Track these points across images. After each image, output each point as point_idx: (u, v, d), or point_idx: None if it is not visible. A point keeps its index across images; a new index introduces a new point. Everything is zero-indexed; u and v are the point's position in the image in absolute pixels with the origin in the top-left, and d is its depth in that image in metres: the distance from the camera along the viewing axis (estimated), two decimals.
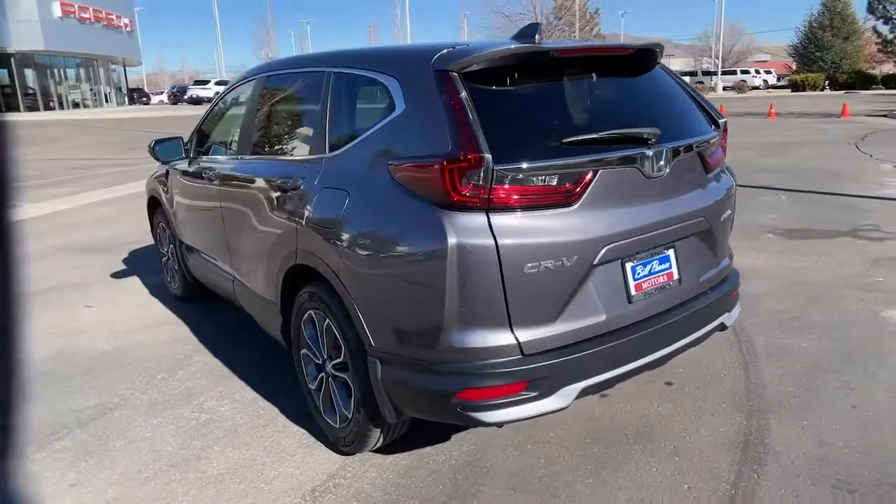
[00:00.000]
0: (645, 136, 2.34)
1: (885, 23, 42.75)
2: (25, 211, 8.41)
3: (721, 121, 2.85)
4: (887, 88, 41.17)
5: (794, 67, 52.01)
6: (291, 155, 3.12)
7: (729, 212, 2.84)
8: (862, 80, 43.48)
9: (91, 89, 45.76)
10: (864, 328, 3.88)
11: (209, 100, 43.78)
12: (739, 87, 45.75)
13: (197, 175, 3.92)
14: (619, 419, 2.96)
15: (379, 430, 2.57)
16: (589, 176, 2.21)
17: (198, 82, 50.18)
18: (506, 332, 2.14)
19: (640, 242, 2.37)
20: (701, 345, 2.81)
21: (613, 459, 2.65)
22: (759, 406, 3.03)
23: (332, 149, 2.67)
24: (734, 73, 52.31)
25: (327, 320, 2.62)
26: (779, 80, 53.81)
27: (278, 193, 2.88)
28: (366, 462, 2.72)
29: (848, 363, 3.43)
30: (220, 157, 3.77)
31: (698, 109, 2.81)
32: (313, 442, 2.89)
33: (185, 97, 47.31)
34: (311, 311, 2.76)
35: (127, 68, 54.00)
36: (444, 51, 2.30)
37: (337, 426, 2.72)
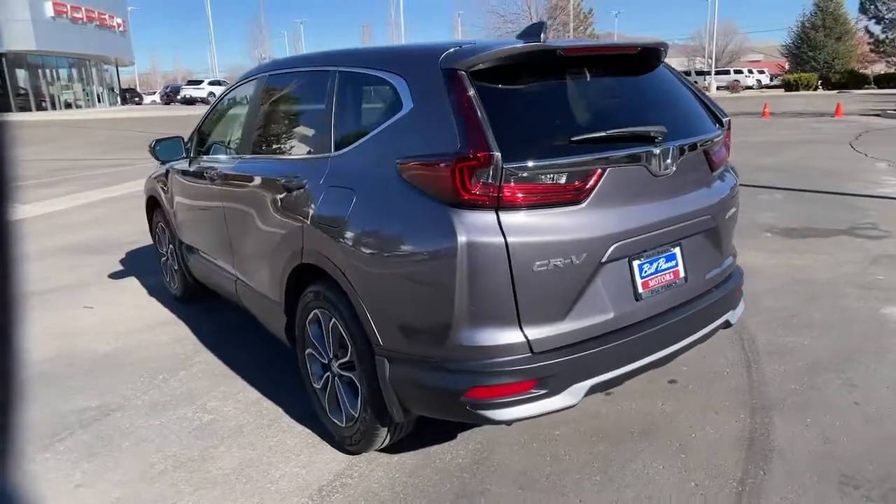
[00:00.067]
0: (652, 135, 2.35)
1: (878, 23, 43.02)
2: (21, 211, 8.36)
3: (725, 119, 2.86)
4: (879, 88, 41.45)
5: (786, 67, 52.29)
6: (296, 154, 3.12)
7: (733, 210, 2.85)
8: (854, 80, 43.75)
9: (83, 89, 45.53)
10: (865, 326, 3.90)
11: (202, 100, 44.01)
12: (733, 87, 45.94)
13: (198, 175, 3.90)
14: (624, 417, 2.96)
15: (386, 428, 2.56)
16: (597, 174, 2.21)
17: (191, 82, 50.04)
18: (515, 331, 2.14)
19: (648, 240, 2.38)
20: (703, 343, 2.81)
21: (620, 457, 2.66)
22: (763, 404, 3.04)
23: (337, 147, 2.66)
24: (727, 72, 52.50)
25: (333, 319, 2.62)
26: (772, 79, 54.06)
27: (283, 192, 2.87)
28: (372, 461, 2.71)
29: (849, 360, 3.45)
30: (222, 157, 3.76)
31: (702, 108, 2.82)
32: (318, 441, 2.88)
33: (178, 97, 47.15)
34: (316, 311, 2.75)
35: (119, 68, 53.76)
36: (452, 49, 2.30)
37: (343, 425, 2.72)
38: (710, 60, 53.66)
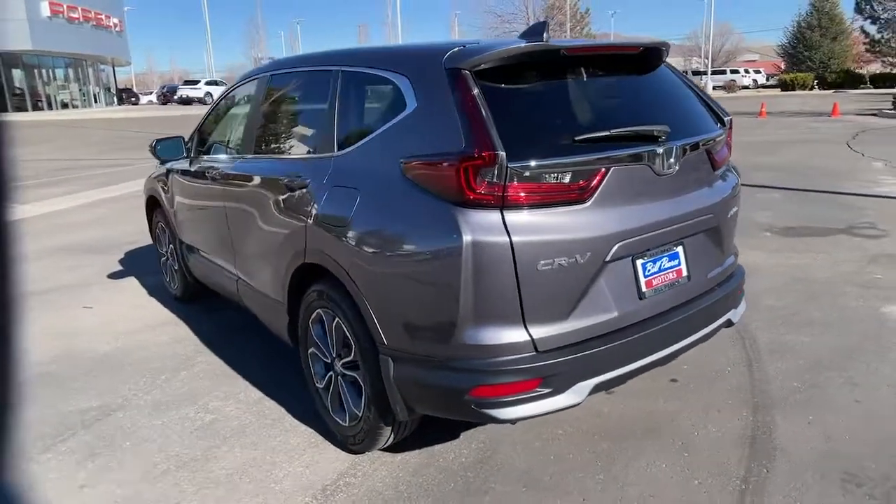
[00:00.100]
0: (655, 134, 2.36)
1: (873, 23, 43.12)
2: (20, 211, 8.34)
3: (727, 119, 2.87)
4: (875, 88, 41.53)
5: (782, 67, 52.37)
6: (298, 153, 3.12)
7: (735, 209, 2.86)
8: (850, 80, 43.86)
9: (80, 89, 45.45)
10: (864, 324, 3.91)
11: (199, 100, 43.91)
12: (729, 87, 45.99)
13: (199, 175, 3.90)
14: (626, 416, 2.97)
15: (389, 428, 2.56)
16: (601, 173, 2.22)
17: (187, 82, 49.92)
18: (520, 329, 2.15)
19: (651, 239, 2.39)
20: (704, 342, 2.82)
21: (623, 456, 2.66)
22: (765, 402, 3.05)
23: (340, 147, 2.66)
24: (724, 72, 52.58)
25: (337, 319, 2.62)
26: (768, 79, 54.17)
27: (285, 192, 2.87)
28: (375, 461, 2.71)
29: (850, 359, 3.46)
30: (223, 157, 3.76)
31: (704, 107, 2.83)
32: (321, 441, 2.88)
33: (175, 97, 47.03)
34: (319, 310, 2.75)
35: (116, 68, 53.67)
36: (455, 49, 2.31)
37: (346, 425, 2.72)
38: (706, 60, 53.74)
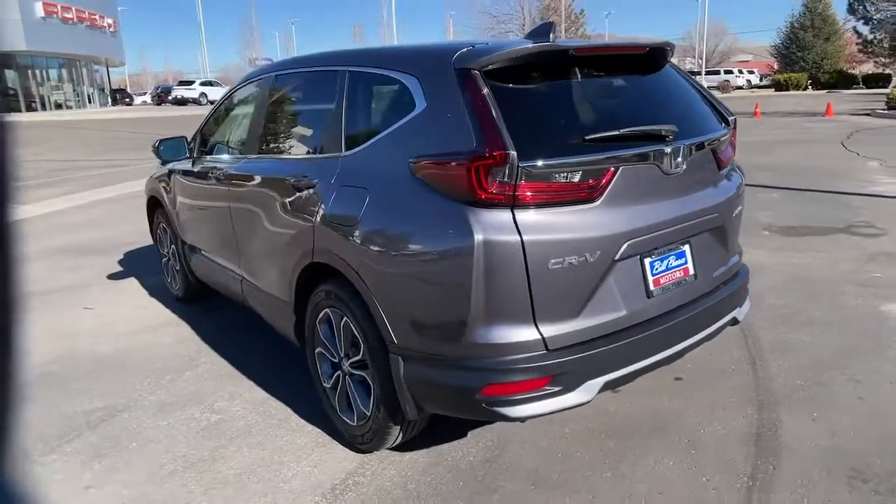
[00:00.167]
0: (663, 133, 2.37)
1: (866, 23, 43.28)
2: (19, 212, 8.30)
3: (731, 118, 2.88)
4: (868, 88, 41.77)
5: (776, 67, 52.58)
6: (305, 153, 3.12)
7: (740, 208, 2.88)
8: (843, 80, 44.08)
9: (74, 90, 45.21)
10: (865, 323, 3.94)
11: (194, 100, 43.76)
12: (723, 87, 46.15)
13: (203, 175, 3.90)
14: (632, 414, 2.98)
15: (398, 427, 2.57)
16: (610, 172, 2.23)
17: (182, 83, 49.73)
18: (530, 328, 2.16)
19: (659, 238, 2.40)
20: (710, 340, 2.84)
21: (631, 454, 2.68)
22: (769, 400, 3.07)
23: (348, 147, 2.67)
24: (718, 72, 52.77)
25: (345, 318, 2.62)
26: (761, 79, 54.37)
27: (292, 192, 2.87)
28: (384, 460, 2.72)
29: (851, 357, 3.49)
30: (227, 157, 3.75)
31: (708, 107, 2.85)
32: (329, 440, 2.89)
33: (170, 98, 46.81)
34: (327, 310, 2.75)
35: (110, 69, 53.44)
36: (465, 49, 2.32)
37: (354, 424, 2.72)
38: (700, 61, 53.95)
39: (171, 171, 4.46)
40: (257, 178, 3.28)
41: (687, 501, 2.38)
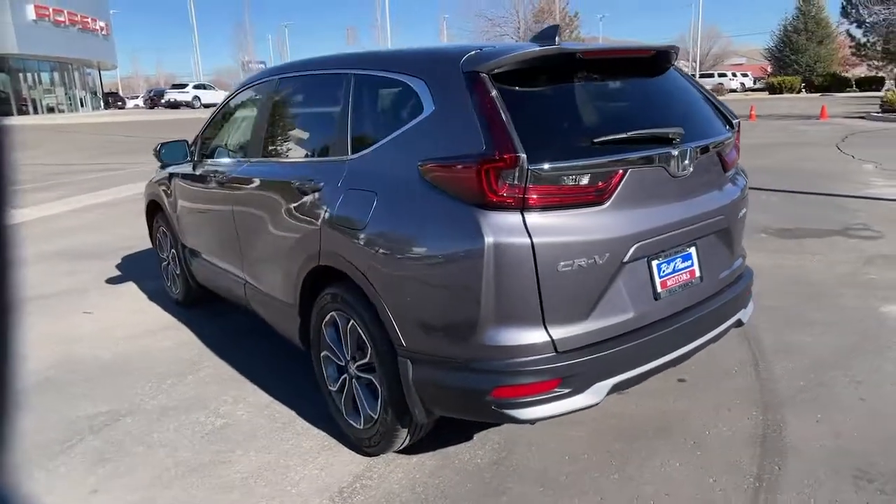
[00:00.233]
0: (670, 136, 2.38)
1: (859, 26, 43.46)
2: (16, 216, 8.26)
3: (735, 121, 2.90)
4: (861, 91, 42.06)
5: (769, 70, 52.83)
6: (310, 157, 3.12)
7: (744, 210, 2.90)
8: (837, 83, 44.38)
9: (66, 93, 45.07)
10: (864, 324, 3.96)
11: (187, 104, 43.64)
12: (717, 90, 46.31)
13: (205, 178, 3.89)
14: (637, 416, 2.99)
15: (406, 429, 2.57)
16: (618, 175, 2.24)
17: (175, 86, 49.53)
18: (540, 330, 2.16)
19: (666, 240, 2.41)
20: (715, 342, 2.85)
21: (637, 455, 2.69)
22: (773, 401, 3.08)
23: (354, 150, 2.67)
24: (711, 75, 53.01)
25: (352, 321, 2.62)
26: (755, 82, 54.65)
27: (297, 195, 2.87)
28: (391, 463, 2.72)
29: (852, 358, 3.51)
30: (230, 161, 3.74)
31: (713, 110, 2.87)
32: (335, 444, 2.88)
33: (163, 101, 46.66)
34: (333, 313, 2.75)
35: (102, 72, 53.28)
36: (472, 52, 2.32)
37: (361, 427, 2.72)
38: (694, 64, 54.19)
39: (171, 175, 4.45)
40: (261, 182, 3.28)
41: (694, 502, 2.39)
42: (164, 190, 4.61)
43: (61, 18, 40.75)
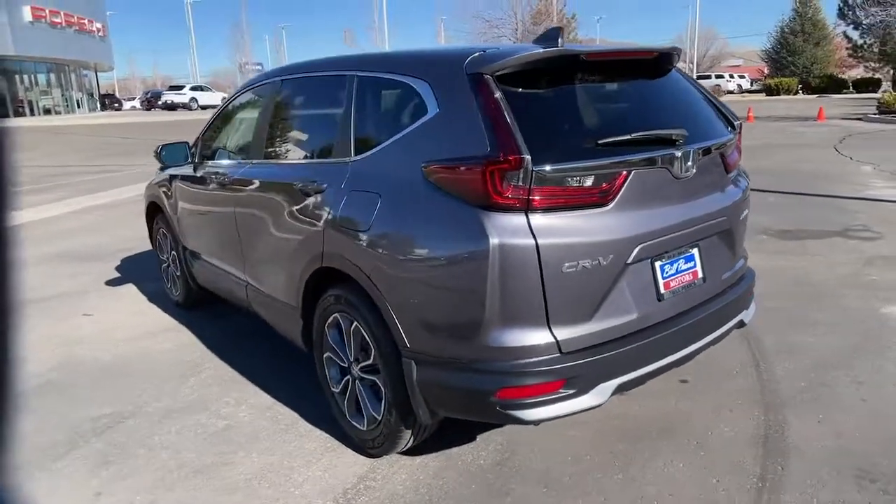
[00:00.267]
0: (674, 138, 2.39)
1: (855, 28, 43.59)
2: (15, 217, 8.24)
3: (736, 122, 2.91)
4: (858, 92, 42.17)
5: (766, 72, 52.97)
6: (312, 158, 3.12)
7: (746, 211, 2.91)
8: (834, 85, 44.50)
9: (62, 95, 45.00)
10: (865, 325, 3.98)
11: (184, 105, 43.63)
12: (715, 92, 46.45)
13: (206, 180, 3.88)
14: (639, 417, 3.00)
15: (410, 430, 2.57)
16: (622, 176, 2.25)
17: (172, 87, 49.47)
18: (544, 331, 2.17)
19: (669, 241, 2.42)
20: (718, 342, 2.86)
21: (640, 456, 2.69)
22: (775, 402, 3.09)
23: (357, 152, 2.67)
24: (709, 77, 53.08)
25: (355, 323, 2.62)
26: (752, 84, 54.75)
27: (300, 197, 2.88)
28: (394, 464, 2.72)
29: (853, 358, 3.52)
30: (232, 162, 3.74)
31: (714, 111, 2.87)
32: (338, 445, 2.88)
33: (160, 103, 46.60)
34: (336, 314, 2.75)
35: (98, 73, 53.21)
36: (477, 54, 2.33)
37: (364, 429, 2.72)
38: (691, 65, 54.27)
39: (172, 177, 4.45)
40: (263, 183, 3.28)
41: (698, 503, 2.40)
42: (164, 192, 4.61)
43: (58, 20, 40.70)
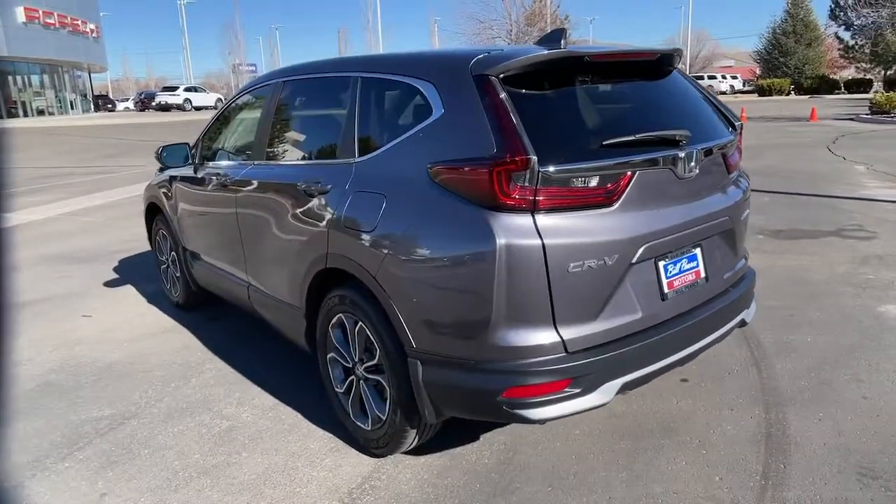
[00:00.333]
0: (677, 138, 2.41)
1: (847, 29, 43.88)
2: (9, 219, 8.22)
3: (737, 123, 2.94)
4: (850, 93, 42.44)
5: (758, 73, 53.18)
6: (315, 159, 3.12)
7: (747, 211, 2.93)
8: (826, 85, 44.76)
9: (56, 96, 44.77)
10: (863, 323, 4.01)
11: (178, 106, 43.45)
12: None
13: (207, 181, 3.88)
14: (642, 416, 3.02)
15: (415, 430, 2.58)
16: (627, 177, 2.26)
17: (166, 88, 49.27)
18: (550, 331, 2.18)
19: (672, 241, 2.44)
20: (720, 342, 2.88)
21: (643, 454, 2.71)
22: (775, 400, 3.11)
23: (361, 153, 2.68)
24: (701, 78, 53.26)
25: (360, 323, 2.63)
26: (745, 84, 54.97)
27: (303, 198, 2.88)
28: (398, 464, 2.73)
29: (853, 357, 3.55)
30: (234, 163, 3.75)
31: (715, 112, 2.90)
32: (342, 445, 2.89)
33: (153, 104, 46.43)
34: (340, 315, 2.76)
35: (92, 74, 52.97)
36: (482, 55, 2.35)
37: (369, 429, 2.73)
38: (683, 66, 54.38)
39: (171, 178, 4.44)
40: (266, 184, 3.28)
41: (702, 500, 2.42)
42: (164, 192, 4.60)
43: (51, 21, 40.48)
